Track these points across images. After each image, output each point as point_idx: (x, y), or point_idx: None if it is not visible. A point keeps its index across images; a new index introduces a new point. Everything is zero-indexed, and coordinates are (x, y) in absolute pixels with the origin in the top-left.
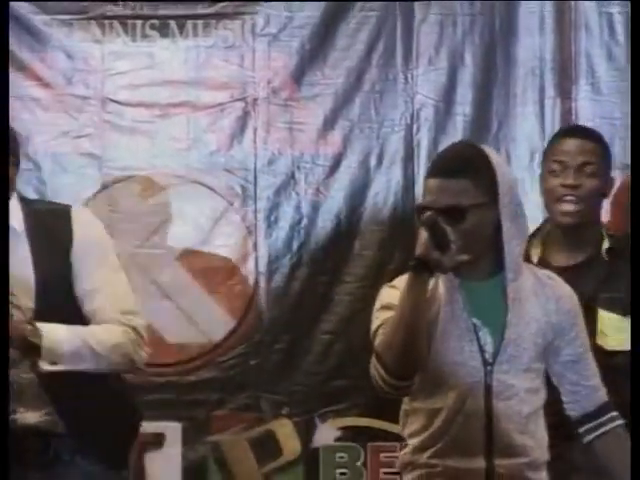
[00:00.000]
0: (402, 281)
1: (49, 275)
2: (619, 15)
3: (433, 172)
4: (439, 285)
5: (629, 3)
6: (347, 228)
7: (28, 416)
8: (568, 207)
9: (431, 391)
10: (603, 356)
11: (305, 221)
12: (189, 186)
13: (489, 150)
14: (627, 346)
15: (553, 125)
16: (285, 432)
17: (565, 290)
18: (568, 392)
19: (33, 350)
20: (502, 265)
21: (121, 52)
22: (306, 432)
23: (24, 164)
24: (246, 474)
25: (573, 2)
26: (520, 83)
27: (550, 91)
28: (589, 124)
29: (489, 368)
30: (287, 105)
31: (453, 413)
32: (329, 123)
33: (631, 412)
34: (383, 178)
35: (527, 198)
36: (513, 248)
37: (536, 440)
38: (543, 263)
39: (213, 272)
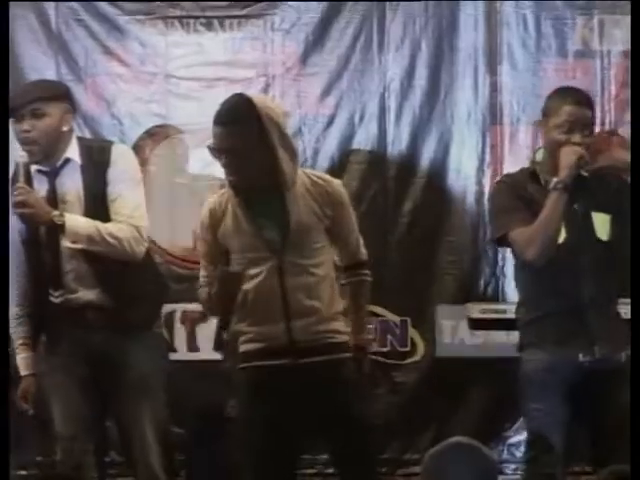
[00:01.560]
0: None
1: (94, 193)
2: (530, 14)
3: None
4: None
5: (629, 3)
6: (338, 166)
7: (85, 294)
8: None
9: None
10: (602, 245)
11: (309, 161)
12: None
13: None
14: (609, 237)
15: (484, 93)
16: None
17: (334, 186)
18: (344, 254)
19: (58, 230)
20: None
21: (179, 42)
22: None
23: (110, 120)
24: None
25: (498, 5)
26: (461, 64)
27: (482, 69)
28: (510, 93)
29: (279, 255)
30: (296, 79)
31: (255, 292)
32: (326, 92)
33: (631, 412)
34: (363, 131)
35: (465, 144)
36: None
37: (323, 300)
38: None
39: None
